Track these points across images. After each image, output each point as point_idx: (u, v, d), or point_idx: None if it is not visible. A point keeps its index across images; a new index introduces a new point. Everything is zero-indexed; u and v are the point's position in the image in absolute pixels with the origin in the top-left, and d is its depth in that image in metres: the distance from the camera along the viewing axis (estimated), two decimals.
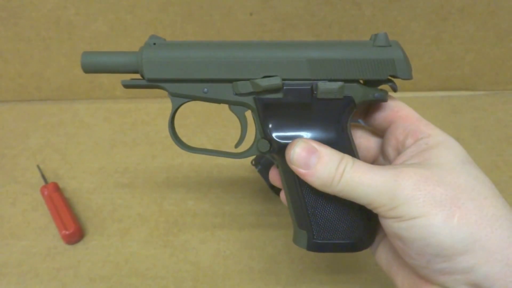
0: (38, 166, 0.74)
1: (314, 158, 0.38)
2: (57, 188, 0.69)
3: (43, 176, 0.72)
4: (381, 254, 0.43)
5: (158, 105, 0.89)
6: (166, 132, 0.83)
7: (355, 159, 0.38)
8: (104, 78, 0.88)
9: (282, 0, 0.78)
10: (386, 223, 0.37)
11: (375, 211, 0.37)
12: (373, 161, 0.47)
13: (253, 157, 0.70)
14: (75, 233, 0.63)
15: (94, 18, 0.80)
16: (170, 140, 0.80)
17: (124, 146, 0.79)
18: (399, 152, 0.42)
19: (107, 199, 0.70)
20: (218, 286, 0.57)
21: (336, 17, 0.80)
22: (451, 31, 0.83)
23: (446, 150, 0.38)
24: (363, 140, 0.47)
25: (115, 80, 0.89)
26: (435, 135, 0.40)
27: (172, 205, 0.68)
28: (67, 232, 0.62)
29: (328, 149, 0.39)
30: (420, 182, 0.35)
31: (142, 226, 0.65)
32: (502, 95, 0.90)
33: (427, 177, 0.35)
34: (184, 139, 0.79)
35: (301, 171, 0.38)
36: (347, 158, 0.38)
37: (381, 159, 0.46)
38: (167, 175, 0.73)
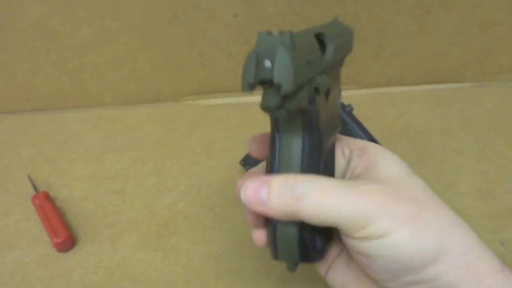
0: (29, 176, 0.75)
1: (264, 191, 0.35)
2: (47, 197, 0.69)
3: (34, 186, 0.72)
4: (335, 275, 0.42)
5: (147, 110, 0.89)
6: (155, 136, 0.84)
7: (313, 180, 0.35)
8: (93, 85, 0.89)
9: (265, 1, 0.78)
10: (351, 243, 0.35)
11: (341, 232, 0.35)
12: None
13: (242, 157, 0.70)
14: (66, 240, 0.63)
15: (79, 26, 0.81)
16: (159, 144, 0.81)
17: (114, 152, 0.80)
18: (340, 166, 0.42)
19: (98, 206, 0.70)
20: (209, 286, 0.57)
21: (320, 16, 0.80)
22: (434, 25, 0.83)
23: (390, 162, 0.38)
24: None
25: (103, 87, 0.89)
26: (370, 146, 0.41)
27: (163, 209, 0.68)
28: (58, 240, 0.62)
29: (278, 177, 0.35)
30: (384, 200, 0.34)
31: (134, 231, 0.66)
32: (489, 86, 0.91)
33: (389, 193, 0.35)
34: (174, 142, 0.80)
35: (259, 208, 0.35)
36: (300, 177, 0.35)
37: None
38: (158, 179, 0.73)
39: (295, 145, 0.37)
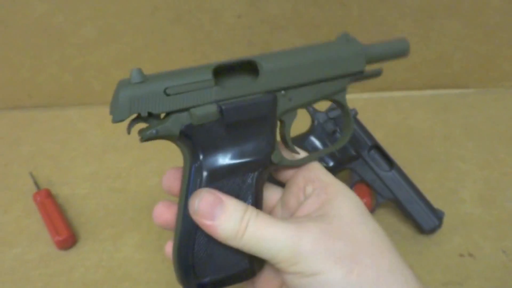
0: (30, 173, 0.74)
1: (219, 209, 0.36)
2: (49, 194, 0.69)
3: (35, 183, 0.72)
4: None
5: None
6: None
7: (259, 211, 0.37)
8: (95, 84, 0.89)
9: (269, 2, 0.78)
10: (288, 278, 0.36)
11: (277, 266, 0.36)
12: (270, 212, 0.45)
13: None
14: (68, 239, 0.63)
15: (83, 24, 0.81)
16: (161, 144, 0.81)
17: (116, 151, 0.79)
18: (299, 200, 0.41)
19: (100, 204, 0.70)
20: None
21: (324, 18, 0.80)
22: (439, 30, 0.83)
23: (345, 201, 0.38)
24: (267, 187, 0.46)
25: (106, 85, 0.89)
26: (334, 184, 0.40)
27: None
28: (59, 238, 0.62)
29: (233, 199, 0.37)
30: (320, 237, 0.35)
31: (135, 231, 0.66)
32: (492, 92, 0.91)
33: (327, 231, 0.35)
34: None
35: (206, 222, 0.36)
36: (251, 209, 0.37)
37: (279, 209, 0.44)
38: (159, 179, 0.73)
39: (185, 169, 0.40)
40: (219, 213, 0.36)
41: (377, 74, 0.44)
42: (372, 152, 0.64)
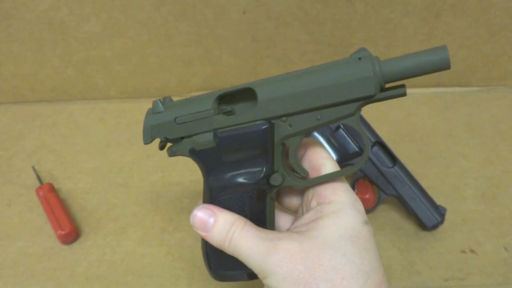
0: (33, 167, 0.75)
1: (211, 221, 0.41)
2: (52, 188, 0.69)
3: (38, 177, 0.72)
4: None
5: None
6: None
7: (247, 223, 0.40)
8: (99, 78, 0.89)
9: None
10: None
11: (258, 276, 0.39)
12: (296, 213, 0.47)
13: None
14: (71, 233, 0.63)
15: (87, 19, 0.80)
16: None
17: (119, 146, 0.80)
18: (305, 211, 0.43)
19: (103, 199, 0.70)
20: (213, 283, 0.57)
21: (329, 15, 0.80)
22: (443, 28, 0.83)
23: (331, 222, 0.38)
24: (287, 190, 0.47)
25: (109, 80, 0.89)
26: (333, 203, 0.40)
27: (167, 204, 0.68)
28: (62, 232, 0.62)
29: (224, 212, 0.41)
30: (285, 258, 0.37)
31: (138, 225, 0.66)
32: (495, 91, 0.91)
33: (294, 252, 0.37)
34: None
35: (201, 233, 0.41)
36: (239, 221, 0.40)
37: (300, 213, 0.46)
38: (162, 174, 0.73)
39: (203, 182, 0.45)
40: (212, 224, 0.41)
41: (400, 94, 0.38)
42: (375, 148, 0.65)
